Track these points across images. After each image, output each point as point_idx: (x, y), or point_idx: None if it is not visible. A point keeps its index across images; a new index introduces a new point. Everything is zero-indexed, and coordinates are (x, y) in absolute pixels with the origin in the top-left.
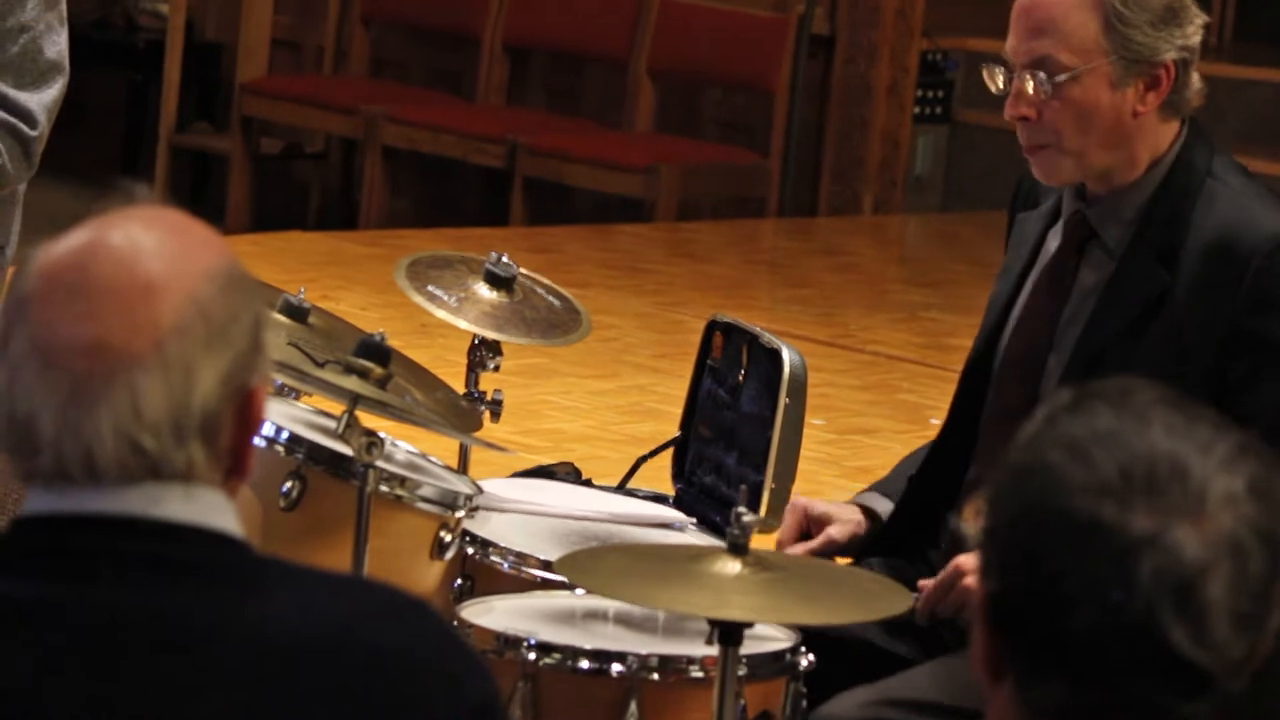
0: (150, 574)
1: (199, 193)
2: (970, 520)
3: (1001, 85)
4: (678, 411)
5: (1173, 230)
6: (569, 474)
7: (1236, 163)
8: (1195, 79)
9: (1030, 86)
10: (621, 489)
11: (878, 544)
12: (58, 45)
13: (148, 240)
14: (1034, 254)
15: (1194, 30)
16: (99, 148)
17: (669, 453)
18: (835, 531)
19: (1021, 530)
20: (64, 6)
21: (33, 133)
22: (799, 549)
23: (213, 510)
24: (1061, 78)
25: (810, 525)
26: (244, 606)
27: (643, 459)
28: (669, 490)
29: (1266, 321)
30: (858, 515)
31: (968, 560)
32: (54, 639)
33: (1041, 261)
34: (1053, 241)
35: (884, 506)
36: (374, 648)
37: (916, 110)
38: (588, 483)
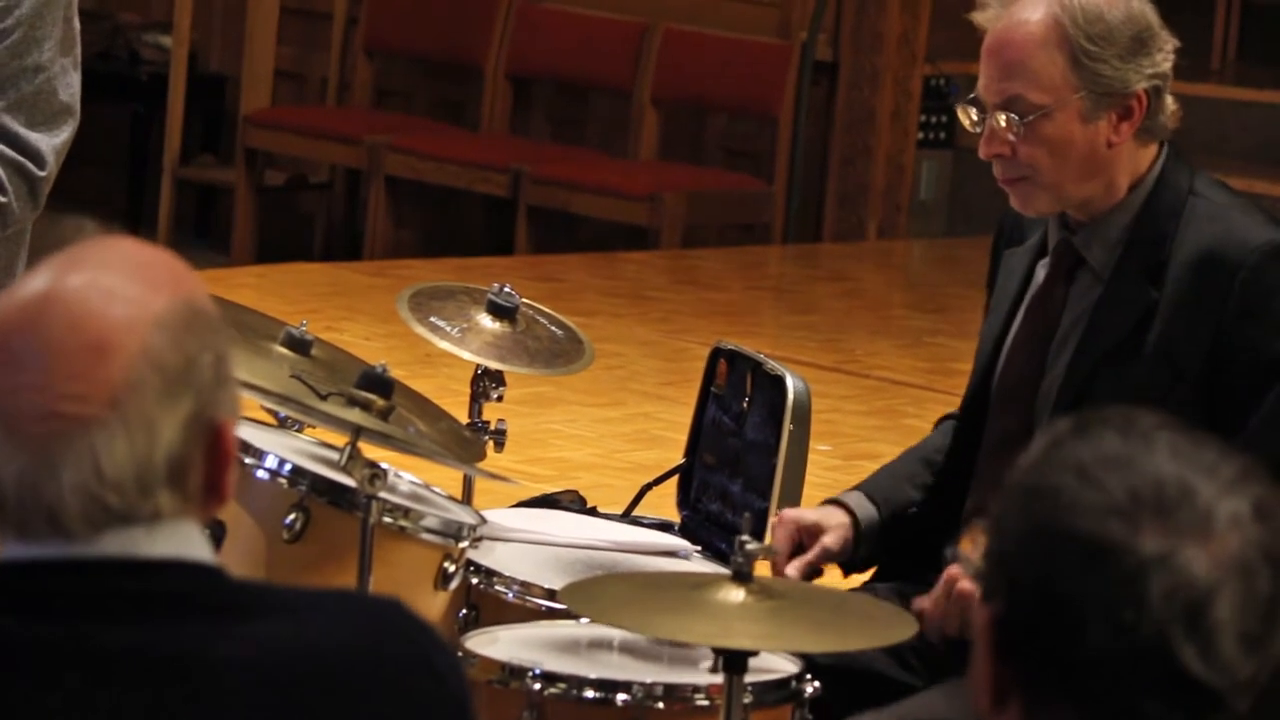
0: (137, 610)
1: (203, 225)
2: (968, 548)
3: (975, 120)
4: (682, 439)
5: (1158, 248)
6: (574, 502)
7: (1217, 180)
8: (1169, 102)
9: (1003, 125)
10: (627, 517)
11: (880, 572)
12: (71, 88)
13: (99, 289)
14: (1023, 287)
15: (1164, 57)
16: (103, 180)
17: (674, 480)
18: (829, 540)
19: (1031, 552)
20: (79, 51)
21: (41, 173)
22: (797, 564)
23: (185, 542)
24: (1032, 116)
25: (803, 536)
26: (231, 633)
27: (648, 486)
28: (674, 517)
29: (1256, 331)
30: (843, 517)
31: (957, 569)
32: (46, 679)
33: (1031, 293)
34: (1041, 273)
35: (864, 508)
36: (362, 656)
37: (920, 135)
38: (593, 511)
